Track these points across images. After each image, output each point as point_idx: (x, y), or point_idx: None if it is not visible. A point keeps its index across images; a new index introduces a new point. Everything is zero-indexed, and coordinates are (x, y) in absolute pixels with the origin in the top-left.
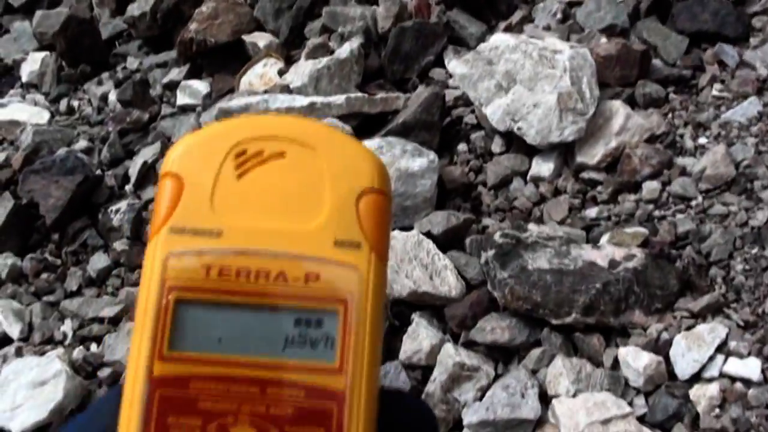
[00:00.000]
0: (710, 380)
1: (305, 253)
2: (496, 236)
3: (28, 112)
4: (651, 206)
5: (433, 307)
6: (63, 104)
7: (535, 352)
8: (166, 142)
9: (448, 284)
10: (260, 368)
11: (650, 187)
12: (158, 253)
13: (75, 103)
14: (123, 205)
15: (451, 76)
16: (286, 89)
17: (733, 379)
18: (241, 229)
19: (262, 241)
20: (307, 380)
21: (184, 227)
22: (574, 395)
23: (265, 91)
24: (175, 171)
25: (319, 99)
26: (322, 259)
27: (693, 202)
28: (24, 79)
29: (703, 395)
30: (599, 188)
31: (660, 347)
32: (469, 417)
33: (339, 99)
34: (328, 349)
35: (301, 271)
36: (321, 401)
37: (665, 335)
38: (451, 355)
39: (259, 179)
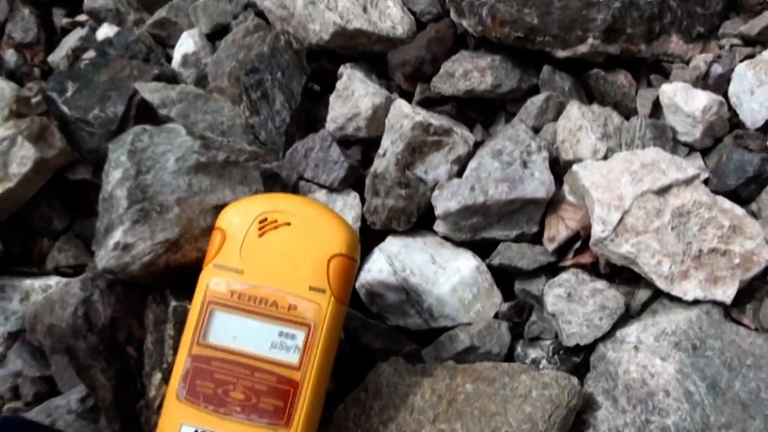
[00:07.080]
0: None
1: (290, 291)
2: None
3: None
4: None
5: (369, 55)
6: None
7: (535, 101)
8: None
9: (391, 18)
10: (253, 359)
11: None
12: (206, 279)
13: None
14: None
15: None
16: None
17: None
18: (255, 270)
19: (266, 280)
20: (278, 371)
21: (222, 264)
22: (606, 156)
23: None
24: (223, 227)
25: None
26: (299, 296)
27: None
28: None
29: None
30: None
31: (713, 85)
32: (444, 203)
33: None
34: (295, 353)
35: (286, 302)
36: (284, 386)
37: (717, 68)
38: (407, 114)
39: (270, 239)
